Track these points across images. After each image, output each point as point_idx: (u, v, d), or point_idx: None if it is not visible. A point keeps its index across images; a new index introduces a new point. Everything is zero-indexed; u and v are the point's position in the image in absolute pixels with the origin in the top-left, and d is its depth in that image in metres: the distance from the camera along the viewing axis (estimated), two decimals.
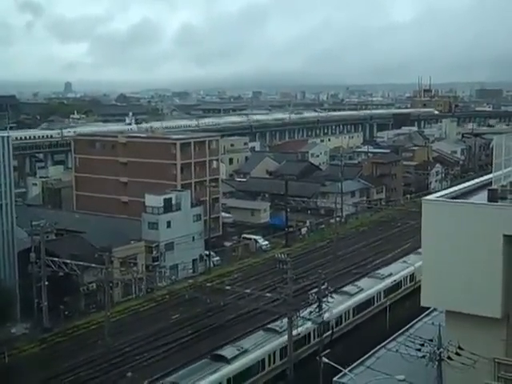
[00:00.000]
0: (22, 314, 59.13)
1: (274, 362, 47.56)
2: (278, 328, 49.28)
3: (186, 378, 42.17)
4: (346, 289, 60.40)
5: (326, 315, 48.18)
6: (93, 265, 58.90)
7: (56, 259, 59.41)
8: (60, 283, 60.01)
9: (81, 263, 59.03)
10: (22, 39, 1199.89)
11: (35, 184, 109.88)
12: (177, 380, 42.24)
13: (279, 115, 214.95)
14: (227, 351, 45.93)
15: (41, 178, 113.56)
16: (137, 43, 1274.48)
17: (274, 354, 47.51)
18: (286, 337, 46.64)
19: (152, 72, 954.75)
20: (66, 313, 61.73)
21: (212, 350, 48.97)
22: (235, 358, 44.80)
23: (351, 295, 58.71)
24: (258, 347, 46.76)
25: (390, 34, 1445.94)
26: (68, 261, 59.24)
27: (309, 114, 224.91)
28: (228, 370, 43.79)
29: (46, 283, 58.41)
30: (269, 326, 51.26)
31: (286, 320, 47.28)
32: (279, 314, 51.35)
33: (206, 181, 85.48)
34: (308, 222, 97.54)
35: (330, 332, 52.41)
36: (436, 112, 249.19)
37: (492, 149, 31.10)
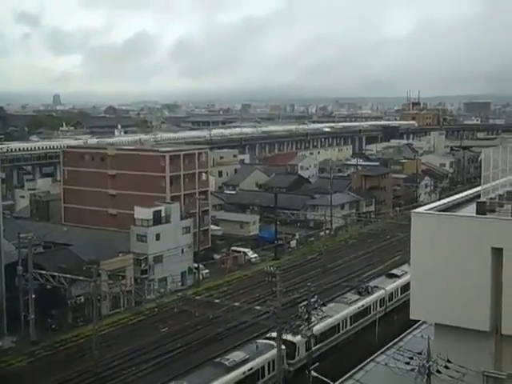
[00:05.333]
0: (8, 328, 58.64)
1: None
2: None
3: None
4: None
5: None
6: (81, 278, 58.54)
7: (43, 272, 59.02)
8: (47, 296, 59.58)
9: (68, 276, 58.66)
10: (12, 50, 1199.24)
11: (23, 196, 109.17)
12: None
13: (245, 129, 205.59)
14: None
15: (29, 190, 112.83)
16: (128, 56, 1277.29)
17: None
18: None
19: (143, 84, 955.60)
20: (54, 326, 61.25)
21: (202, 362, 48.71)
22: None
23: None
24: None
25: (379, 48, 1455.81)
26: (56, 274, 58.88)
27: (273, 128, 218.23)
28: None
29: (34, 296, 57.92)
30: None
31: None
32: (268, 326, 51.15)
33: (195, 193, 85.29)
34: (297, 234, 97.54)
35: None
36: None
37: (480, 162, 31.18)
